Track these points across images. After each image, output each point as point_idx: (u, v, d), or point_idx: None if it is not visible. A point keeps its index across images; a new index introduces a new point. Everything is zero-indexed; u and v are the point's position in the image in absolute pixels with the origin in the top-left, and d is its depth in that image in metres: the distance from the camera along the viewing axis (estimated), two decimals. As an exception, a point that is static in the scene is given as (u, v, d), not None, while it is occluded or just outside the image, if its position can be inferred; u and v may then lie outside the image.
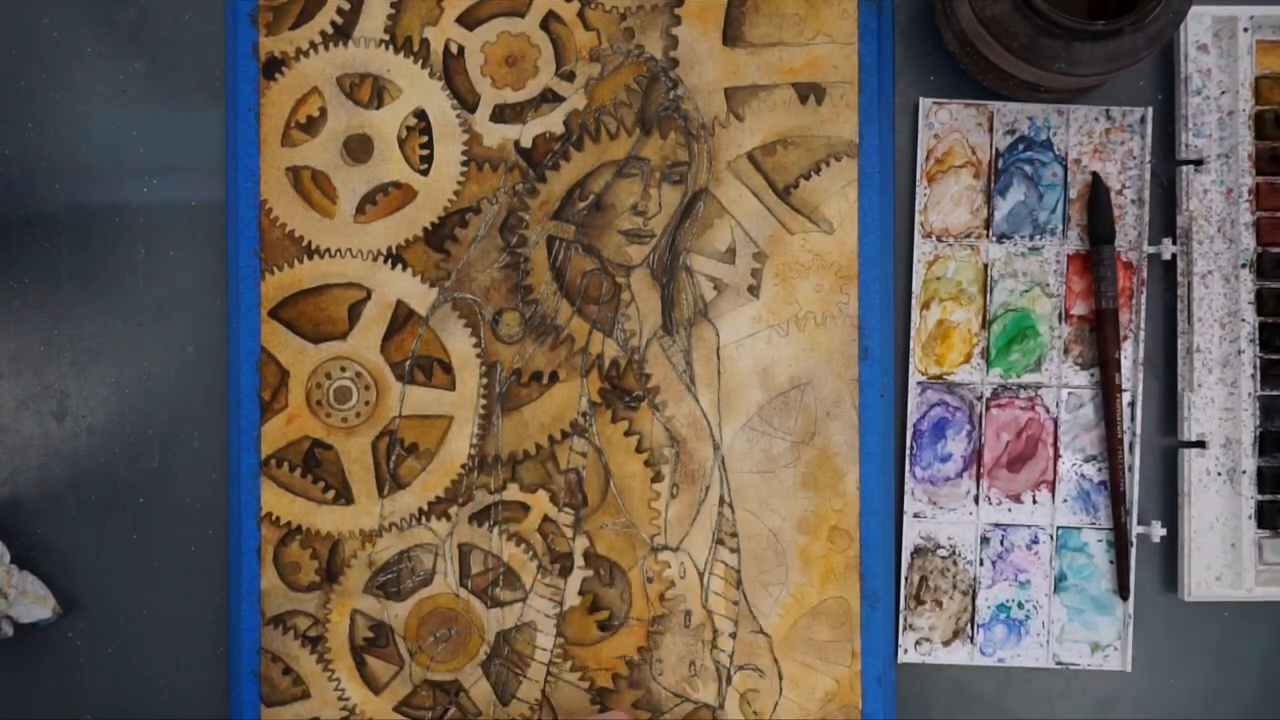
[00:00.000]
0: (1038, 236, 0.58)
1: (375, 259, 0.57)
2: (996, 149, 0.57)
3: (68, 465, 0.58)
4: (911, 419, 0.57)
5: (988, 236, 0.58)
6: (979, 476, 0.58)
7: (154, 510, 0.58)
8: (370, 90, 0.58)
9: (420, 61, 0.57)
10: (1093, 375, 0.57)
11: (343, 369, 0.57)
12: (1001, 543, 0.58)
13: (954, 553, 0.58)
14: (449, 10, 0.57)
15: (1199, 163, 0.57)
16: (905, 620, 0.57)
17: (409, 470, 0.58)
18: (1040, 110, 0.57)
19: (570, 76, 0.58)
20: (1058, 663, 0.57)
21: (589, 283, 0.58)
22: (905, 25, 0.58)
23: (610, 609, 0.58)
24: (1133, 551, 0.57)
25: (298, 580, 0.58)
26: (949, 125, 0.58)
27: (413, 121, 0.58)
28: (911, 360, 0.57)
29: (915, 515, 0.58)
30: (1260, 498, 0.57)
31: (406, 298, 0.57)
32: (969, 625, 0.58)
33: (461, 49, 0.58)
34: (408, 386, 0.58)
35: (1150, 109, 0.57)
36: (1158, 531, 0.57)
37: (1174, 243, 0.57)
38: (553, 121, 0.57)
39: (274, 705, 0.57)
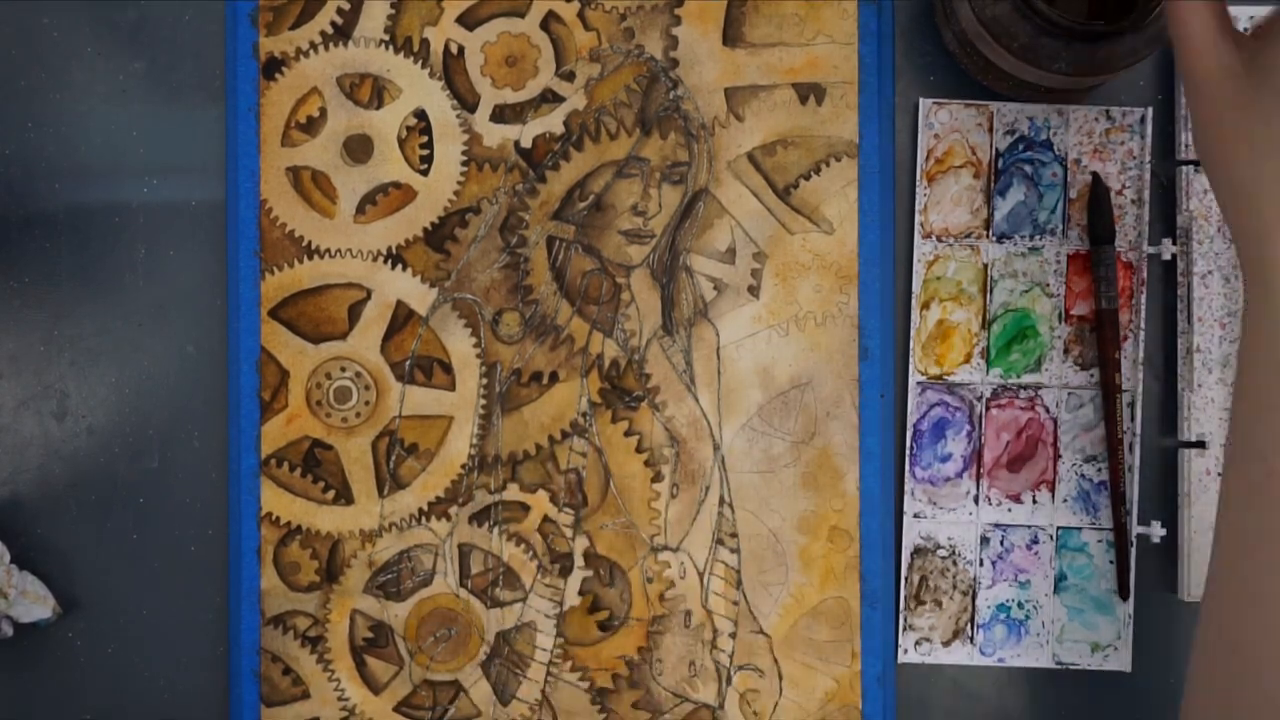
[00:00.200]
0: (1038, 236, 0.58)
1: (375, 259, 0.57)
2: (996, 149, 0.57)
3: (68, 465, 0.58)
4: (911, 419, 0.57)
5: (988, 236, 0.58)
6: (979, 476, 0.58)
7: (154, 510, 0.58)
8: (370, 90, 0.58)
9: (420, 61, 0.57)
10: (1093, 375, 0.57)
11: (343, 369, 0.57)
12: (1001, 543, 0.58)
13: (954, 553, 0.58)
14: (449, 10, 0.57)
15: (1199, 163, 0.57)
16: (905, 620, 0.58)
17: (409, 470, 0.58)
18: (1040, 110, 0.57)
19: (570, 77, 0.58)
20: (1058, 663, 0.57)
21: (589, 283, 0.58)
22: (905, 25, 0.58)
23: (610, 609, 0.58)
24: (1133, 551, 0.57)
25: (298, 580, 0.58)
26: (949, 125, 0.58)
27: (413, 121, 0.58)
28: (911, 360, 0.57)
29: (915, 515, 0.58)
30: (1260, 498, 0.57)
31: (406, 298, 0.57)
32: (969, 625, 0.58)
33: (461, 49, 0.58)
34: (408, 386, 0.58)
35: (1150, 109, 0.57)
36: (1158, 532, 0.57)
37: (1174, 243, 0.57)
38: (553, 122, 0.58)
39: (274, 705, 0.57)
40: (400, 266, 0.57)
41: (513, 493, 0.58)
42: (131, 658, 0.58)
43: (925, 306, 0.58)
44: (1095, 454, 0.57)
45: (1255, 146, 0.43)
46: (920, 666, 0.58)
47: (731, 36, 0.57)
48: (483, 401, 0.57)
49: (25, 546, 0.58)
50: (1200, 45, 0.44)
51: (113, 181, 0.58)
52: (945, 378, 0.58)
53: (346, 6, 0.57)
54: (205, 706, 0.58)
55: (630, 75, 0.57)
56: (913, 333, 0.57)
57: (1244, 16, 0.57)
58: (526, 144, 0.57)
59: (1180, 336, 0.57)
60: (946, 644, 0.58)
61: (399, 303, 0.57)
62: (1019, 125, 0.57)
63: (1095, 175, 0.57)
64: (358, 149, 0.58)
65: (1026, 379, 0.58)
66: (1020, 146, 0.57)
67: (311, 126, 0.58)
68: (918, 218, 0.57)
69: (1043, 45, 0.51)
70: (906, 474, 0.58)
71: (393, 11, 0.57)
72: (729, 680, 0.57)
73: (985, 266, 0.58)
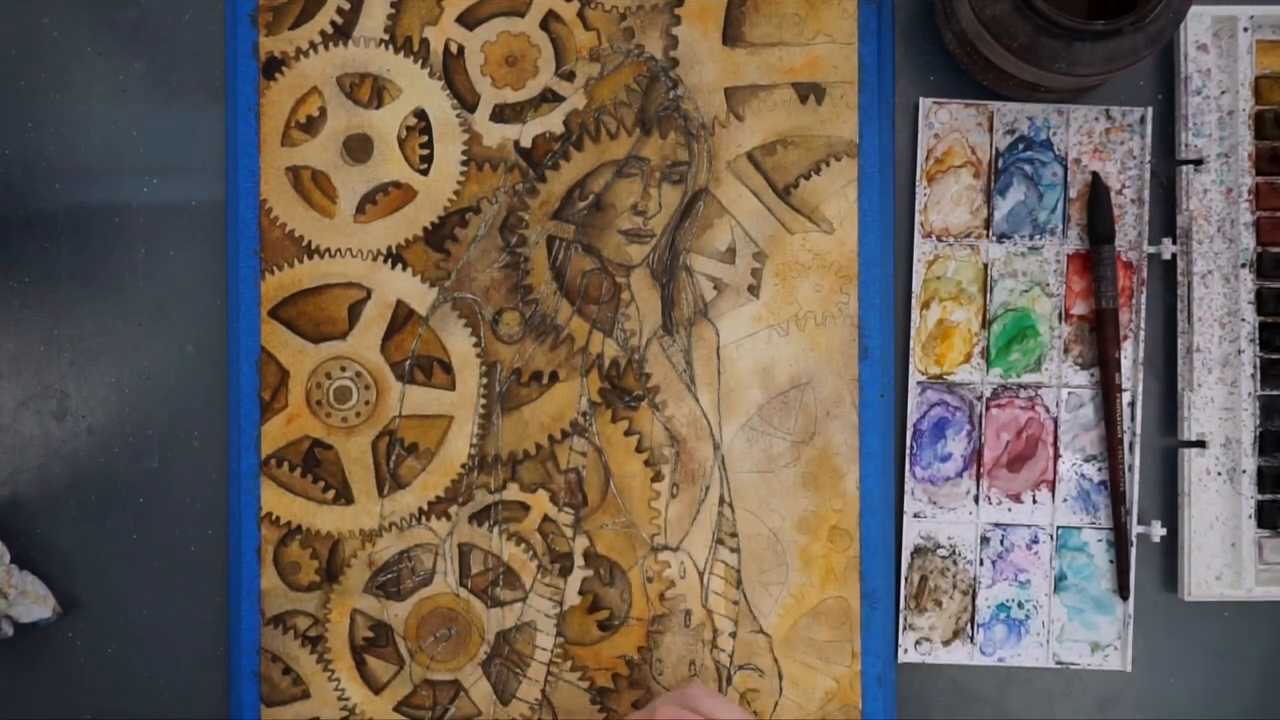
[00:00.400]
0: (1038, 236, 0.58)
1: (375, 259, 0.57)
2: (996, 149, 0.57)
3: (68, 465, 0.58)
4: (911, 419, 0.57)
5: (988, 236, 0.58)
6: (979, 476, 0.58)
7: (154, 510, 0.58)
8: (370, 90, 0.58)
9: (420, 61, 0.57)
10: (1093, 375, 0.57)
11: (343, 369, 0.57)
12: (1001, 542, 0.58)
13: (954, 552, 0.58)
14: (449, 10, 0.57)
15: (1199, 162, 0.57)
16: (905, 620, 0.58)
17: (409, 470, 0.58)
18: (1040, 110, 0.57)
19: (570, 76, 0.58)
20: (1058, 663, 0.57)
21: (589, 283, 0.58)
22: (905, 25, 0.58)
23: (610, 609, 0.58)
24: (1133, 551, 0.57)
25: (298, 580, 0.58)
26: (949, 125, 0.58)
27: (413, 121, 0.58)
28: (911, 360, 0.57)
29: (915, 515, 0.58)
30: (1260, 497, 0.57)
31: (406, 297, 0.57)
32: (969, 625, 0.58)
33: (461, 49, 0.58)
34: (408, 386, 0.58)
35: (1150, 109, 0.57)
36: (1158, 531, 0.57)
37: (1174, 242, 0.57)
38: (553, 121, 0.57)
39: (274, 705, 0.57)
40: (400, 266, 0.57)
41: (513, 492, 0.58)
42: (131, 658, 0.58)
43: (925, 306, 0.58)
44: (1095, 453, 0.57)
45: None
46: (920, 666, 0.58)
47: (731, 36, 0.57)
48: (483, 401, 0.57)
49: (25, 546, 0.58)
50: None
51: (113, 181, 0.58)
52: (945, 377, 0.58)
53: (346, 6, 0.57)
54: (205, 706, 0.58)
55: (630, 75, 0.57)
56: (913, 332, 0.57)
57: (1244, 16, 0.57)
58: (526, 144, 0.57)
59: (1180, 336, 0.57)
60: (946, 644, 0.58)
61: (399, 302, 0.57)
62: (1019, 125, 0.57)
63: (1095, 175, 0.57)
64: (358, 149, 0.58)
65: (1026, 379, 0.58)
66: (1020, 146, 0.57)
67: (311, 126, 0.58)
68: (918, 217, 0.57)
69: (1043, 45, 0.51)
70: (906, 474, 0.57)
71: (393, 11, 0.57)
72: (729, 680, 0.57)
73: (985, 266, 0.58)
